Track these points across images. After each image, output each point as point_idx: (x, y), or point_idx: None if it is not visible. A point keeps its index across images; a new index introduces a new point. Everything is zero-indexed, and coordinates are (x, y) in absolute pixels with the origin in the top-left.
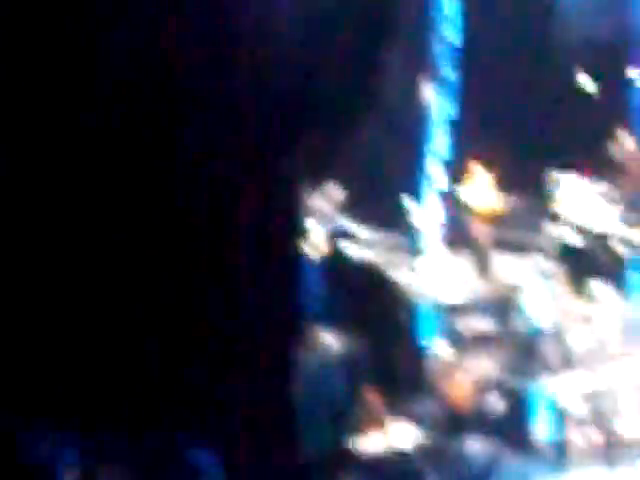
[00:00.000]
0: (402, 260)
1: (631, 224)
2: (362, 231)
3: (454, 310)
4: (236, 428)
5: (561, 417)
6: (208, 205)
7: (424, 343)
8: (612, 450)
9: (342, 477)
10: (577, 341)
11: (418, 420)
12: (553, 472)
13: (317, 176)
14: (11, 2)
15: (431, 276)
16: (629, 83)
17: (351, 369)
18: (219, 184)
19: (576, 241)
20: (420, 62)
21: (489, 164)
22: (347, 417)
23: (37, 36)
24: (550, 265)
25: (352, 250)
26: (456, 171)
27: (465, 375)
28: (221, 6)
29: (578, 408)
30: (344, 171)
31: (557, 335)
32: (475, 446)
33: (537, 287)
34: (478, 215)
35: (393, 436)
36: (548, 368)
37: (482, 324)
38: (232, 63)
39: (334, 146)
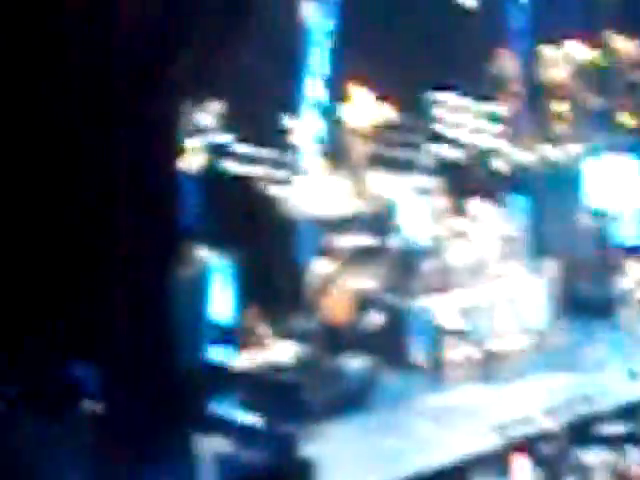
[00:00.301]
0: (281, 176)
1: (511, 141)
2: (241, 147)
3: (332, 226)
4: (115, 343)
5: (438, 334)
6: (84, 121)
7: (303, 259)
8: (488, 365)
9: (222, 392)
10: (455, 258)
11: (297, 336)
12: (430, 388)
13: (196, 93)
14: None
15: (310, 192)
16: (509, 2)
17: (231, 286)
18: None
19: (455, 158)
20: None
21: (369, 83)
22: (225, 333)
23: None
24: (429, 183)
25: (231, 165)
26: (336, 89)
27: (343, 292)
28: None
29: (455, 325)
30: (223, 88)
31: (435, 252)
32: (353, 362)
33: (416, 205)
34: (357, 133)
35: (272, 352)
36: (426, 285)
37: (360, 241)
38: None
39: (213, 63)
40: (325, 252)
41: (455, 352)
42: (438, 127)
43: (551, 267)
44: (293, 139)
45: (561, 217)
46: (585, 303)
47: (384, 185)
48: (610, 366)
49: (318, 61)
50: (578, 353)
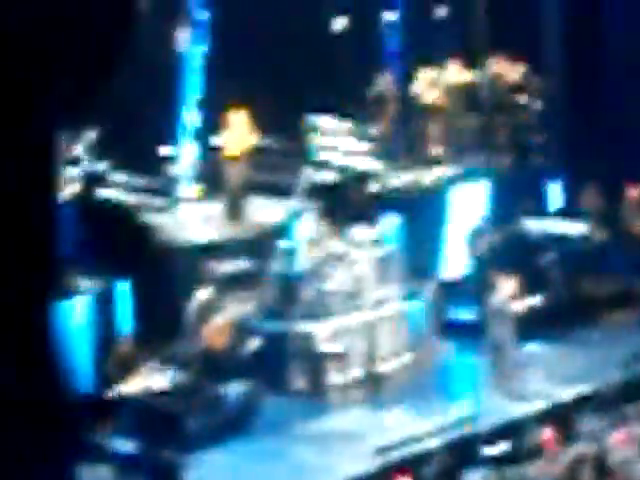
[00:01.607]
0: (158, 203)
1: (387, 163)
2: (117, 175)
3: (210, 252)
4: None
5: (318, 359)
6: None
7: (181, 286)
8: (369, 388)
9: (103, 422)
10: (333, 282)
11: (176, 362)
12: (311, 413)
13: (71, 122)
14: None
15: (187, 219)
16: (385, 24)
17: (108, 314)
18: None
19: (331, 181)
20: (174, 7)
21: (245, 108)
22: (104, 364)
23: None
24: (306, 206)
25: (106, 193)
26: (211, 116)
27: (222, 318)
28: None
29: (334, 349)
30: (99, 117)
31: (313, 277)
32: (233, 388)
33: (294, 229)
34: (233, 158)
35: (151, 379)
36: (305, 310)
37: (238, 266)
38: None
39: (88, 92)
40: (203, 278)
41: (335, 376)
42: (315, 150)
43: (426, 289)
44: (170, 166)
45: (432, 239)
46: (459, 324)
47: (262, 210)
48: (488, 386)
49: (193, 87)
50: (457, 374)
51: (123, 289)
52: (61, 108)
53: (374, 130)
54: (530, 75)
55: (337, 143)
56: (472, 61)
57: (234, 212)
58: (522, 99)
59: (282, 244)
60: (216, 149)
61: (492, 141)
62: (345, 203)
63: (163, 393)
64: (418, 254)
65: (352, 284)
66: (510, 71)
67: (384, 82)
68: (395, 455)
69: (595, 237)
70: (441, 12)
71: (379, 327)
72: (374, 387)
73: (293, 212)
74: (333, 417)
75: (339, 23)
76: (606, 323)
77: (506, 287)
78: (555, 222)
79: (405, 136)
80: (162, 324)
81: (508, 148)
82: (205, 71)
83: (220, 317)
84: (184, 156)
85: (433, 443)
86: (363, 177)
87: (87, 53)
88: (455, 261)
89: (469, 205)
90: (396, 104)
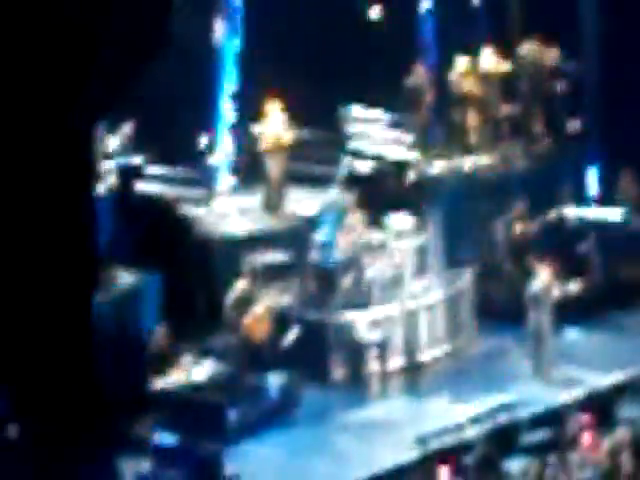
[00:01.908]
0: (195, 195)
1: (425, 153)
2: (153, 167)
3: (249, 244)
4: (32, 368)
5: (358, 348)
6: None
7: (220, 277)
8: (409, 378)
9: (143, 414)
10: (373, 272)
11: (216, 354)
12: (352, 403)
13: (107, 115)
14: None
15: (225, 210)
16: (421, 14)
17: (148, 307)
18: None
19: (369, 171)
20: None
21: (282, 99)
22: (144, 355)
23: None
24: (345, 197)
25: (144, 186)
26: (249, 106)
27: (261, 309)
28: None
29: (375, 338)
30: (137, 108)
31: (353, 266)
32: (274, 379)
33: (332, 219)
34: (271, 149)
35: (189, 371)
36: (345, 300)
37: (278, 257)
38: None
39: (126, 83)
40: (241, 270)
41: (376, 366)
42: (352, 141)
43: (466, 276)
44: (207, 158)
45: (475, 226)
46: (499, 310)
47: (300, 201)
48: (527, 373)
49: (229, 79)
50: (496, 362)
51: (160, 281)
52: (97, 102)
53: (411, 119)
54: (565, 59)
55: (374, 132)
56: (507, 47)
57: (273, 203)
58: (558, 85)
59: (320, 234)
60: (253, 140)
61: (529, 128)
62: (383, 192)
63: (203, 385)
64: (456, 242)
65: (391, 273)
66: (545, 56)
67: (419, 71)
68: (436, 444)
69: (633, 223)
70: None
71: (419, 316)
72: (414, 376)
73: (331, 202)
74: (373, 407)
75: (374, 12)
76: None
77: (544, 274)
78: (593, 208)
79: (442, 125)
80: (201, 316)
81: (545, 135)
82: (241, 62)
83: (259, 308)
84: (221, 147)
85: (473, 432)
86: (401, 166)
87: (122, 48)
88: (491, 247)
89: (505, 192)
90: (432, 93)
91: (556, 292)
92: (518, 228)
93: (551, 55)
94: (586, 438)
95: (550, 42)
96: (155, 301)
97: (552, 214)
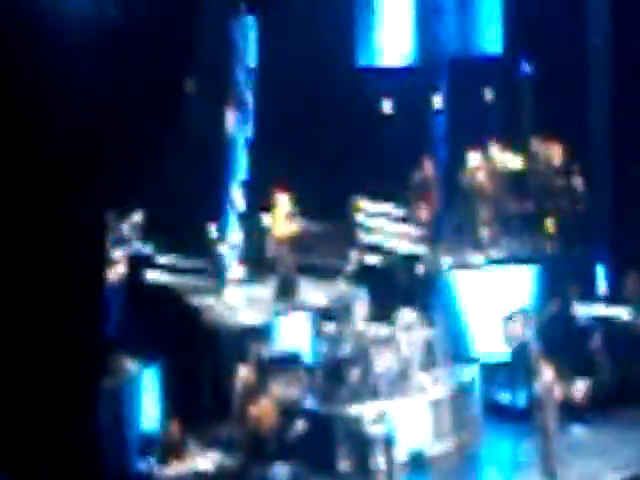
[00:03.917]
0: (205, 285)
1: (431, 247)
2: (164, 256)
3: (259, 334)
4: (35, 457)
5: (366, 442)
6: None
7: (230, 367)
8: (414, 472)
9: None
10: (380, 365)
11: (223, 444)
12: None
13: (120, 202)
14: None
15: (234, 300)
16: (433, 110)
17: (155, 396)
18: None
19: (379, 265)
20: (223, 89)
21: (291, 189)
22: (151, 444)
23: None
24: (354, 289)
25: (153, 275)
26: (259, 196)
27: (269, 399)
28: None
29: (382, 432)
30: (148, 197)
31: (361, 359)
32: (280, 470)
33: (340, 311)
34: (281, 240)
35: (197, 461)
36: (352, 391)
37: (285, 348)
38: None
39: (138, 173)
40: (250, 360)
41: (383, 460)
42: (362, 234)
43: (471, 371)
44: (218, 247)
45: (479, 321)
46: (505, 408)
47: (310, 292)
48: (534, 470)
49: (239, 168)
50: (501, 458)
51: (167, 371)
52: (109, 191)
53: (419, 213)
54: (572, 159)
55: (383, 226)
56: (518, 144)
57: (285, 294)
58: (566, 183)
59: (329, 326)
60: (263, 231)
61: (539, 225)
62: (392, 286)
63: (210, 475)
64: (463, 336)
65: (399, 367)
66: (554, 154)
67: (428, 165)
68: None
69: None
70: (487, 96)
71: (425, 411)
72: (421, 470)
73: (341, 295)
74: None
75: (387, 105)
76: None
77: (549, 372)
78: (601, 307)
79: (451, 220)
80: (207, 406)
81: (554, 231)
82: (251, 152)
83: (266, 399)
84: (230, 237)
85: None
86: (410, 260)
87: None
88: (499, 344)
89: (515, 288)
90: (439, 188)
91: (559, 392)
92: (526, 325)
93: (559, 153)
94: None
95: (560, 140)
96: (165, 389)
97: (561, 312)
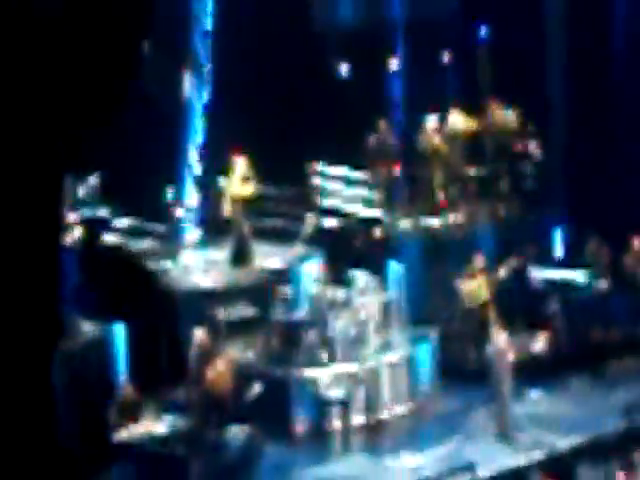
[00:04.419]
0: (162, 248)
1: (388, 208)
2: (121, 220)
3: (214, 297)
4: None
5: (321, 405)
6: None
7: (182, 332)
8: (372, 435)
9: (105, 467)
10: (337, 328)
11: (177, 407)
12: (314, 459)
13: (75, 167)
14: None
15: (191, 264)
16: (387, 71)
17: (111, 358)
18: None
19: (335, 227)
20: (180, 52)
21: (249, 153)
22: (107, 406)
23: None
24: (310, 252)
25: (110, 238)
26: (216, 160)
27: (225, 363)
28: None
29: (338, 395)
30: (104, 160)
31: (317, 323)
32: (236, 433)
33: (297, 274)
34: (237, 203)
35: (152, 424)
36: (309, 356)
37: (242, 311)
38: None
39: (95, 137)
40: (207, 324)
41: (338, 423)
42: (317, 197)
43: (430, 334)
44: (174, 211)
45: (439, 285)
46: (463, 369)
47: (266, 256)
48: (489, 434)
49: (197, 132)
50: (458, 420)
51: (124, 334)
52: (65, 153)
53: (376, 177)
54: (529, 121)
55: (340, 190)
56: (475, 108)
57: (240, 258)
58: (523, 146)
59: (285, 290)
60: (219, 194)
61: (495, 189)
62: (348, 249)
63: (165, 438)
64: (420, 300)
65: (355, 330)
66: (511, 117)
67: (384, 129)
68: None
69: (598, 286)
70: (444, 58)
71: (383, 373)
72: (377, 433)
73: (296, 258)
74: (335, 463)
75: (343, 69)
76: (609, 372)
77: (503, 336)
78: (559, 270)
79: (407, 183)
80: (163, 369)
81: (511, 196)
82: (208, 116)
83: (222, 362)
84: (188, 201)
85: None
86: (366, 223)
87: (89, 98)
88: (456, 307)
89: (469, 252)
90: (397, 151)
91: (512, 356)
92: (480, 287)
93: (516, 116)
94: None
95: (515, 102)
96: (119, 352)
97: (517, 275)
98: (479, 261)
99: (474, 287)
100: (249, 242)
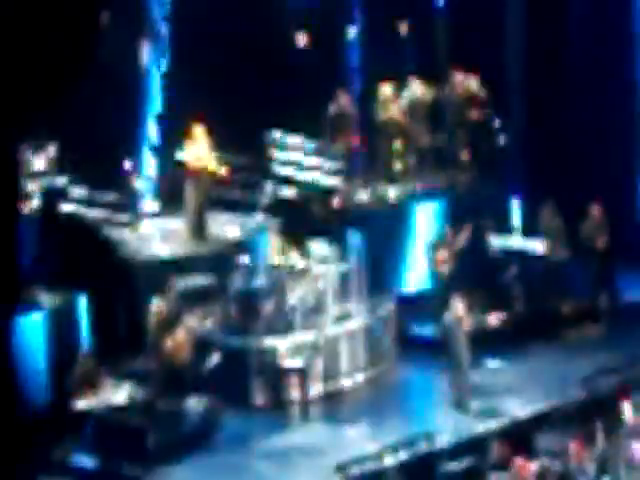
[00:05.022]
0: (119, 218)
1: (348, 179)
2: (77, 189)
3: (171, 267)
4: None
5: (279, 374)
6: None
7: (142, 301)
8: (329, 404)
9: (63, 435)
10: (295, 297)
11: (136, 377)
12: (272, 429)
13: (32, 135)
14: None
15: (148, 233)
16: (345, 41)
17: (69, 328)
18: None
19: (293, 197)
20: (136, 21)
21: (206, 123)
22: (65, 375)
23: None
24: (268, 221)
25: (68, 208)
26: (173, 130)
27: (183, 332)
28: None
29: (296, 364)
30: (61, 131)
31: (275, 292)
32: (193, 402)
33: (255, 244)
34: (194, 174)
35: (111, 393)
36: (266, 324)
37: (200, 281)
38: None
39: (50, 105)
40: (165, 293)
41: (297, 392)
42: (275, 166)
43: (387, 304)
44: (132, 180)
45: (396, 254)
46: (419, 340)
47: (223, 226)
48: (447, 403)
49: (154, 102)
50: (417, 389)
51: (83, 303)
52: (23, 121)
53: (335, 146)
54: (487, 92)
55: (298, 159)
56: (432, 77)
57: (196, 227)
58: (480, 114)
59: (243, 259)
60: (177, 164)
61: (453, 158)
62: (306, 218)
63: (123, 408)
64: (379, 269)
65: (313, 299)
66: (468, 85)
67: (343, 98)
68: (355, 471)
69: (555, 254)
70: (402, 28)
71: (340, 343)
72: (335, 403)
73: (254, 227)
74: (294, 433)
75: (300, 39)
76: (567, 340)
77: (459, 306)
78: (516, 239)
79: (366, 153)
80: (122, 338)
81: (468, 164)
82: (166, 86)
83: (180, 332)
84: (146, 171)
85: (392, 460)
86: (325, 193)
87: (47, 66)
88: (416, 276)
89: (430, 221)
90: (355, 120)
91: (468, 324)
92: (438, 257)
93: (474, 84)
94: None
95: (473, 71)
96: (80, 321)
97: (474, 244)
98: (449, 232)
99: (445, 257)
100: (205, 211)
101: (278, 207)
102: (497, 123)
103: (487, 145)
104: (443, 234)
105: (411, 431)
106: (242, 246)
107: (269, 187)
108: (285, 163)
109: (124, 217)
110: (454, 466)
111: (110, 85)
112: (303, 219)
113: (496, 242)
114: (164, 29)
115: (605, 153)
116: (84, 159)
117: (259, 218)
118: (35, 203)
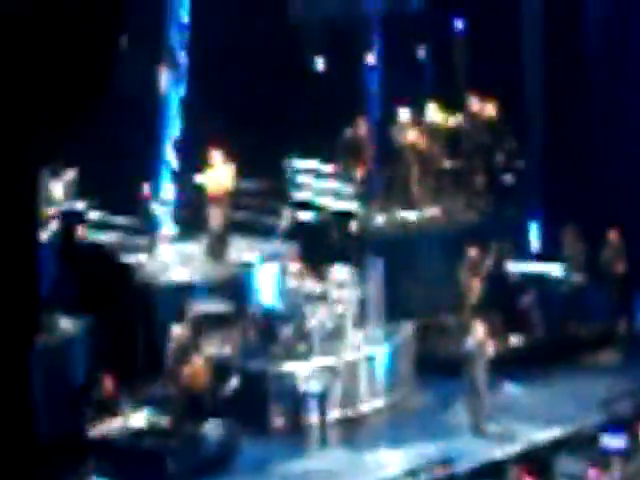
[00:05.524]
0: (138, 243)
1: (366, 204)
2: (97, 214)
3: (190, 292)
4: None
5: (299, 399)
6: None
7: (160, 326)
8: (349, 429)
9: (80, 459)
10: (314, 323)
11: (156, 403)
12: (291, 453)
13: (51, 160)
14: None
15: (167, 258)
16: (365, 67)
17: (88, 354)
18: None
19: (312, 221)
20: (156, 48)
21: (226, 148)
22: (84, 401)
23: None
24: (287, 247)
25: (87, 233)
26: (193, 155)
27: (201, 358)
28: None
29: (315, 389)
30: (81, 155)
31: (294, 317)
32: (213, 428)
33: (273, 270)
34: (214, 198)
35: (129, 418)
36: (285, 350)
37: (218, 306)
38: None
39: (69, 132)
40: (183, 318)
41: (315, 417)
42: (295, 192)
43: (406, 328)
44: (151, 206)
45: (415, 279)
46: (440, 363)
47: (242, 250)
48: (465, 427)
49: (174, 127)
50: (436, 414)
51: (101, 329)
52: (42, 147)
53: (353, 171)
54: (505, 116)
55: (317, 184)
56: (450, 101)
57: (216, 252)
58: (500, 141)
59: (262, 284)
60: (196, 189)
61: (471, 182)
62: (325, 243)
63: (142, 433)
64: (398, 294)
65: (332, 324)
66: (487, 112)
67: (361, 123)
68: None
69: (574, 279)
70: (420, 53)
71: (359, 368)
72: (354, 428)
73: (273, 252)
74: (312, 457)
75: (320, 64)
76: (586, 365)
77: (479, 330)
78: (535, 264)
79: (384, 178)
80: (141, 364)
81: (486, 189)
82: (185, 112)
83: (199, 357)
84: (164, 196)
85: None
86: (343, 218)
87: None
88: (432, 301)
89: (446, 246)
90: (373, 146)
91: (490, 349)
92: (460, 282)
93: (492, 108)
94: None
95: (491, 95)
96: (95, 348)
97: (494, 269)
98: (472, 257)
99: (470, 282)
100: (225, 236)
101: (297, 232)
102: (515, 147)
103: (505, 170)
104: (467, 259)
105: (429, 456)
106: (260, 271)
107: (288, 212)
108: (304, 188)
109: (142, 241)
110: None
111: (129, 110)
112: (322, 244)
113: (515, 266)
114: (183, 56)
115: (624, 177)
116: (103, 184)
117: (277, 243)
118: (54, 228)
